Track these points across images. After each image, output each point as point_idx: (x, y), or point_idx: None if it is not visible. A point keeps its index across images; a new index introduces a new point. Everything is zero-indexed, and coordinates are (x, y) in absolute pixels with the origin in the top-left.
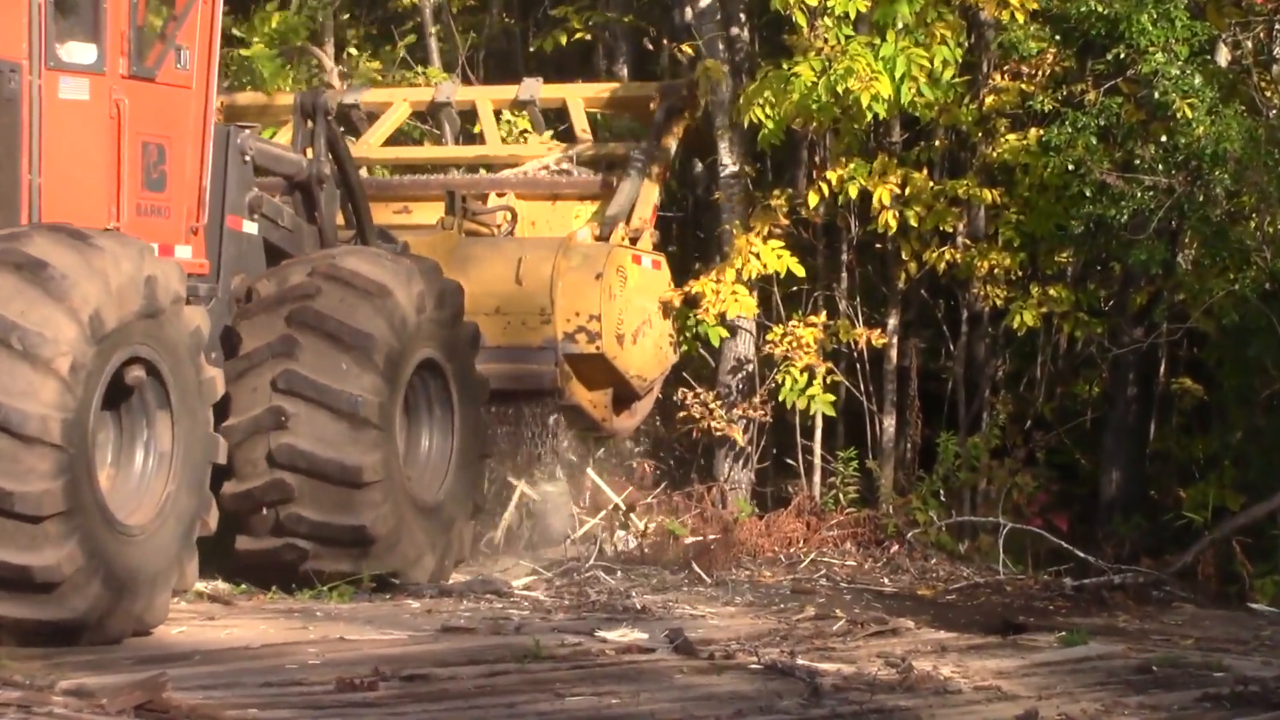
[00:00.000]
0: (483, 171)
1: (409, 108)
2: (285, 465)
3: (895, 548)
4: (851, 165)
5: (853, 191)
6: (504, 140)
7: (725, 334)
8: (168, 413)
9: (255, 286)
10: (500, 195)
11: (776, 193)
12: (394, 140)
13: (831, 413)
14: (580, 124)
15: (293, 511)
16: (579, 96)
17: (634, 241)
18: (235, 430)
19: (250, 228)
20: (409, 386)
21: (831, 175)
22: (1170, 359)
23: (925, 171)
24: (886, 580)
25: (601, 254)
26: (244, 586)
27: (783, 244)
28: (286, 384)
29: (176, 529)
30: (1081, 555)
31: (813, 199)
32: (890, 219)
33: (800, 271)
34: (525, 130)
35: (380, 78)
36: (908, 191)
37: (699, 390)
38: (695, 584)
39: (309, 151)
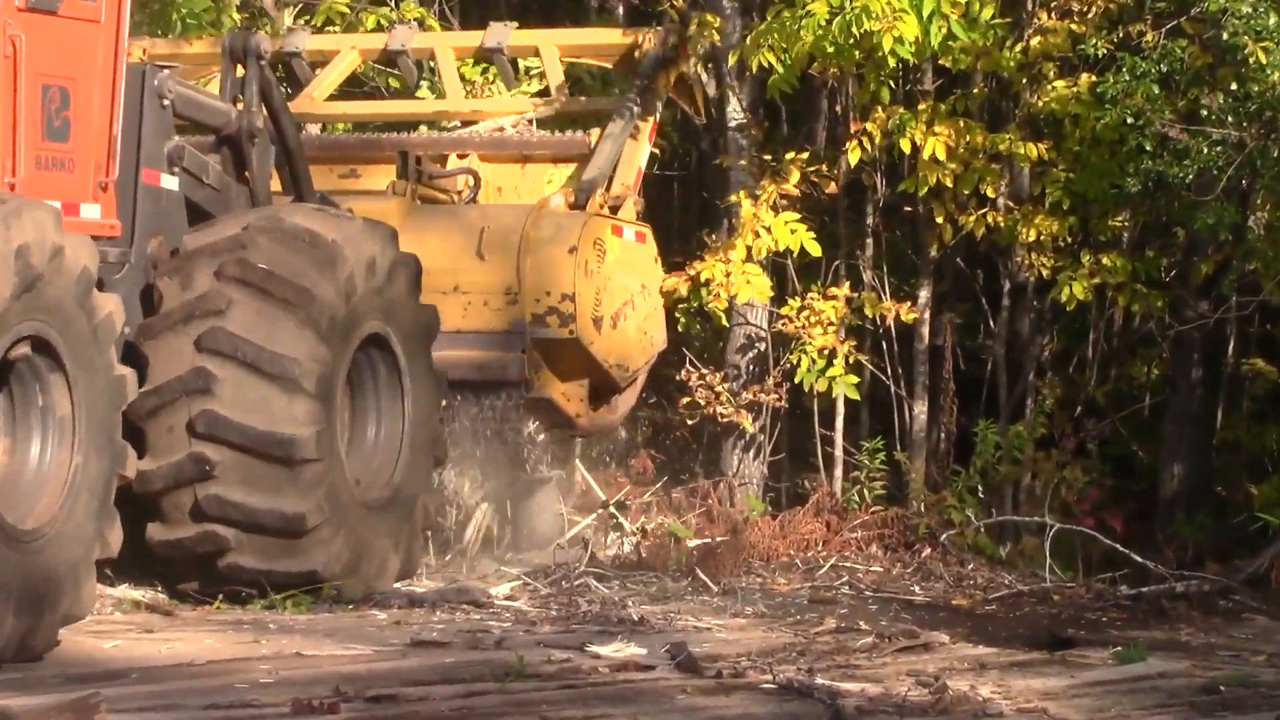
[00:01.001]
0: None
1: (358, 56)
2: (206, 436)
3: (927, 551)
4: (899, 113)
5: (905, 145)
6: (467, 94)
7: (726, 323)
8: (61, 376)
9: (184, 240)
10: (461, 157)
11: (792, 154)
12: (342, 95)
13: (855, 397)
14: (554, 75)
15: (214, 493)
16: (553, 44)
17: (615, 210)
18: (151, 396)
19: (169, 183)
20: (354, 364)
21: (873, 127)
22: (1240, 336)
23: (963, 124)
24: (917, 588)
25: (576, 224)
26: (188, 597)
27: (796, 216)
28: (212, 343)
29: (90, 503)
30: (1139, 560)
31: (853, 155)
32: (936, 177)
33: (816, 250)
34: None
35: (347, 11)
36: (934, 135)
37: (703, 371)
38: (700, 592)
39: (239, 102)
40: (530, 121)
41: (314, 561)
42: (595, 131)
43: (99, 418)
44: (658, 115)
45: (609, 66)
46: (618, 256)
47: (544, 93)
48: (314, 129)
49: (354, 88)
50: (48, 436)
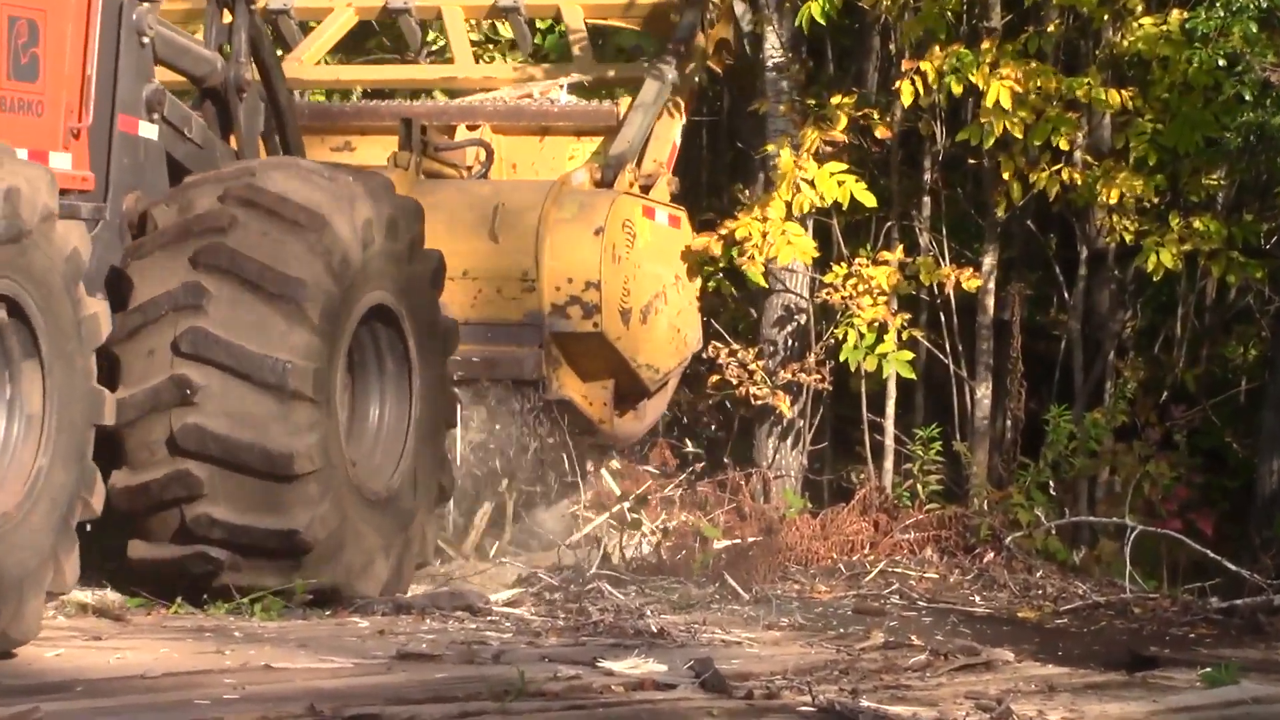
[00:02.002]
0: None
1: (354, 15)
2: (192, 452)
3: (990, 556)
4: (955, 51)
5: (956, 88)
6: (478, 59)
7: (765, 284)
8: (36, 363)
9: (152, 213)
10: (472, 128)
11: (839, 98)
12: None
13: (909, 377)
14: (578, 37)
15: (202, 512)
16: (577, 3)
17: (646, 190)
18: (127, 405)
19: (148, 132)
20: (353, 341)
21: (927, 66)
22: None
23: (1034, 66)
24: (978, 598)
25: (603, 203)
26: (140, 598)
27: (843, 167)
28: (193, 346)
29: (50, 514)
30: (1232, 568)
31: (905, 95)
32: (1003, 126)
33: (870, 200)
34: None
35: None
36: (999, 79)
37: (735, 346)
38: (728, 600)
39: (225, 53)
40: (562, 88)
41: (296, 518)
42: (625, 100)
43: (70, 424)
44: (696, 83)
45: (638, 29)
46: (649, 241)
47: (563, 58)
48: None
49: (349, 52)
50: (12, 429)
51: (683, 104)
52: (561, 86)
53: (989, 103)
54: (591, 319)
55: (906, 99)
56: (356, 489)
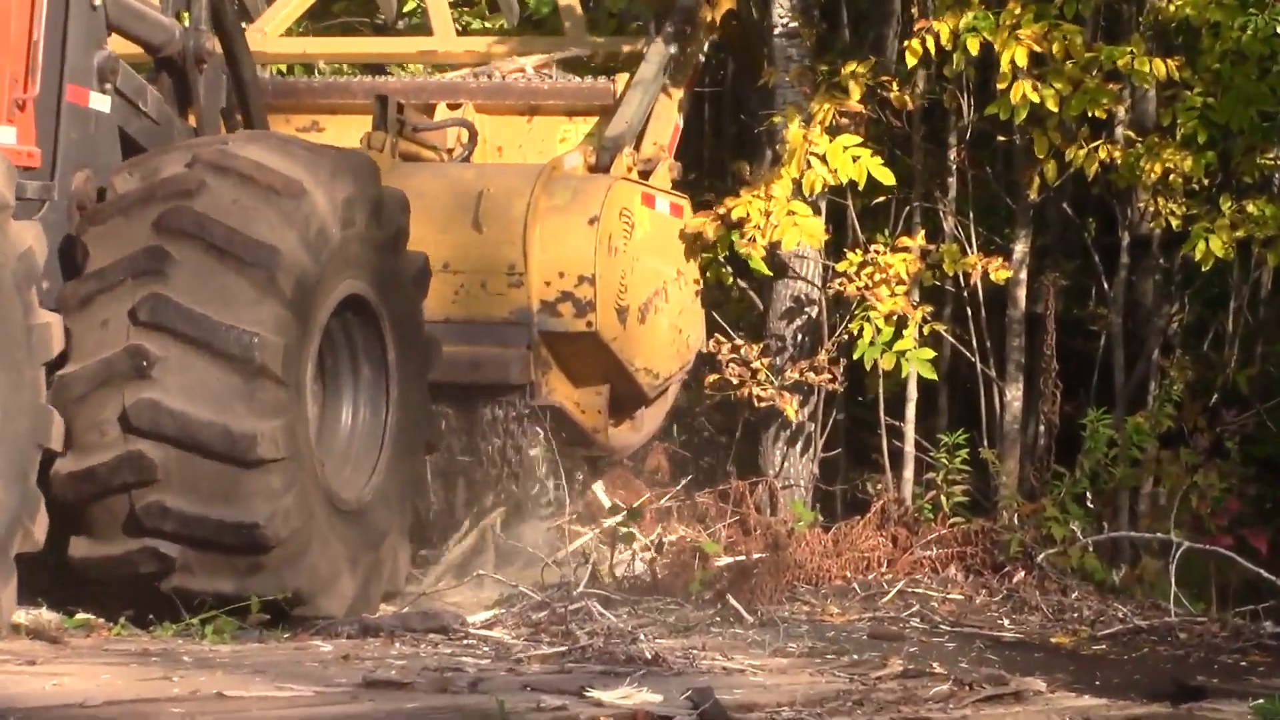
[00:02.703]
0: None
1: None
2: (145, 431)
3: (1020, 575)
4: (970, 14)
5: (973, 46)
6: (460, 31)
7: (768, 272)
8: None
9: (113, 182)
10: (453, 107)
11: (854, 65)
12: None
13: (931, 377)
14: (572, 8)
15: (154, 500)
16: None
17: (645, 176)
18: (77, 380)
19: (100, 104)
20: (326, 333)
21: (941, 27)
22: None
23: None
24: (1007, 621)
25: (598, 190)
26: (79, 618)
27: (858, 140)
28: (152, 314)
29: None
30: None
31: (911, 56)
32: (1024, 92)
33: (888, 178)
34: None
35: None
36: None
37: (738, 341)
38: (731, 623)
39: (184, 20)
40: (553, 65)
41: (256, 510)
42: (622, 78)
43: (13, 441)
44: (701, 59)
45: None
46: (649, 232)
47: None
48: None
49: (318, 21)
50: None
51: (686, 81)
52: (552, 64)
53: (1004, 65)
54: (584, 317)
55: (911, 60)
56: (325, 491)
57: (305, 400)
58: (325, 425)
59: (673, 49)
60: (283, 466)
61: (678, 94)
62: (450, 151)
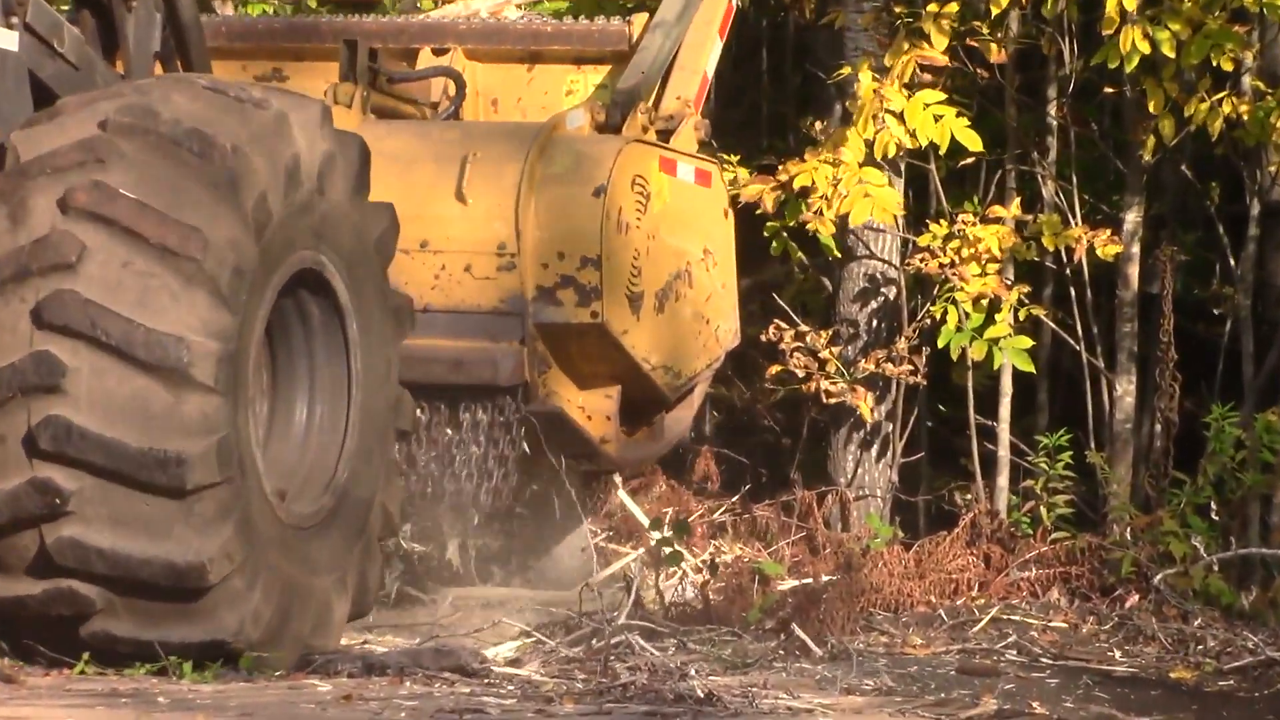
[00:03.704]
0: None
1: None
2: (54, 455)
3: (1134, 599)
4: None
5: None
6: None
7: (837, 253)
8: None
9: (13, 142)
10: (439, 53)
11: (935, 7)
12: None
13: (1029, 369)
14: None
15: (67, 535)
16: None
17: (665, 137)
18: None
19: (6, 40)
20: (274, 317)
21: None
22: None
23: None
24: (1118, 653)
25: (607, 154)
26: (40, 656)
27: (942, 97)
28: (59, 315)
29: None
30: None
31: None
32: (1135, 37)
33: (975, 143)
34: None
35: None
36: None
37: (803, 328)
38: (796, 656)
39: None
40: (520, 7)
41: (221, 627)
42: (639, 19)
43: None
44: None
45: None
46: (669, 204)
47: None
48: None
49: None
50: None
51: (716, 23)
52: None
53: (1111, 4)
54: (589, 306)
55: (995, 6)
56: (292, 532)
57: (246, 407)
58: (275, 425)
59: None
60: (219, 491)
61: (707, 39)
62: (434, 106)
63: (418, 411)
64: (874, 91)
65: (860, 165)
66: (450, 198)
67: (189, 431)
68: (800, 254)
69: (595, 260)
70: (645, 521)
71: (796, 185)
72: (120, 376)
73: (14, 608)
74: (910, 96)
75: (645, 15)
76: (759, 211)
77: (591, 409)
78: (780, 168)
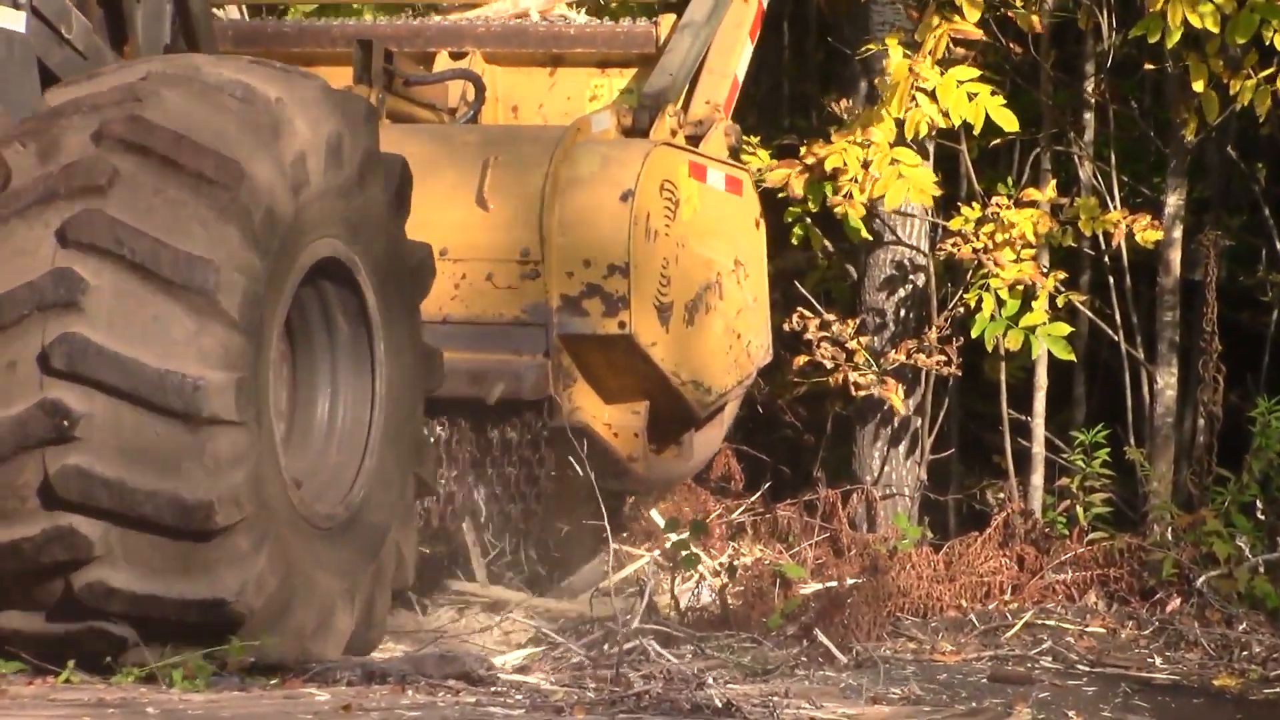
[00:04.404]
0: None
1: None
2: (75, 504)
3: (1176, 603)
4: None
5: None
6: None
7: (866, 235)
8: None
9: (3, 154)
10: (457, 56)
11: None
12: None
13: (1068, 357)
14: None
15: (96, 579)
16: None
17: (695, 142)
18: None
19: (13, 21)
20: (293, 308)
21: None
22: None
23: None
24: (1159, 660)
25: (634, 158)
26: (19, 662)
27: (976, 74)
28: (68, 361)
29: None
30: None
31: None
32: (1182, 13)
33: (1011, 122)
34: None
35: None
36: None
37: (828, 317)
38: (820, 664)
39: None
40: (572, 5)
41: (223, 585)
42: (665, 20)
43: None
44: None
45: None
46: (698, 211)
47: None
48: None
49: None
50: None
51: (747, 25)
52: (572, 5)
53: None
54: (617, 317)
55: None
56: (304, 522)
57: (270, 429)
58: (296, 427)
59: None
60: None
61: (737, 41)
62: (452, 111)
63: (438, 429)
64: (908, 68)
65: (892, 146)
66: (471, 203)
67: (209, 361)
68: (824, 239)
69: (623, 268)
70: (661, 522)
71: (828, 168)
72: (144, 297)
73: (44, 643)
74: (943, 73)
75: (672, 17)
76: (781, 195)
77: (619, 426)
78: (805, 149)
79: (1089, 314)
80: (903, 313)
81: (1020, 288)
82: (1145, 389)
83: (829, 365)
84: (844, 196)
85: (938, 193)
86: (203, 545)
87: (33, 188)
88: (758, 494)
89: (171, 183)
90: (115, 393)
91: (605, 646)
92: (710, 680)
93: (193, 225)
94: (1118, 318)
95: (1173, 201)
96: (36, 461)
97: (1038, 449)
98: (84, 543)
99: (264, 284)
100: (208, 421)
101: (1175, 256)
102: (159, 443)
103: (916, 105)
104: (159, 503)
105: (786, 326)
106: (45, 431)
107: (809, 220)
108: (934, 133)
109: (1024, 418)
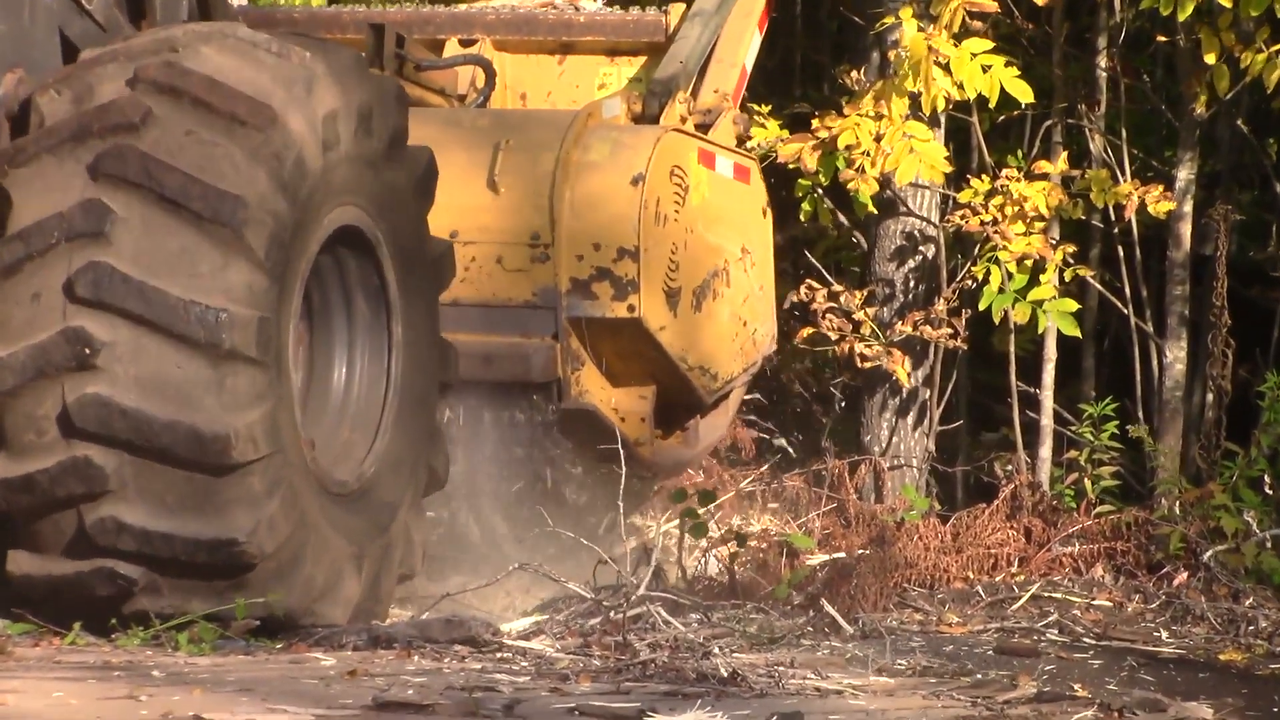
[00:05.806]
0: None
1: None
2: (92, 434)
3: (1182, 576)
4: None
5: None
6: None
7: (874, 210)
8: None
9: (38, 102)
10: (467, 43)
11: None
12: None
13: (1074, 333)
14: None
15: (108, 514)
16: None
17: (704, 130)
18: (4, 368)
19: None
20: (312, 275)
21: None
22: None
23: None
24: (1165, 634)
25: (644, 143)
26: (26, 623)
27: (989, 45)
28: (93, 289)
29: None
30: None
31: None
32: None
33: (1026, 94)
34: None
35: None
36: None
37: (837, 288)
38: (826, 634)
39: None
40: None
41: (235, 524)
42: (676, 9)
43: None
44: None
45: None
46: (707, 198)
47: None
48: None
49: None
50: None
51: (756, 13)
52: None
53: None
54: (626, 300)
55: None
56: (317, 480)
57: (288, 377)
58: (314, 391)
59: None
60: (264, 465)
61: (746, 30)
62: (463, 98)
63: (447, 411)
64: (925, 41)
65: (904, 120)
66: (482, 186)
67: (233, 296)
68: (833, 211)
69: (633, 252)
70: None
71: (841, 143)
72: (171, 230)
73: (52, 585)
74: (958, 45)
75: (681, 6)
76: (792, 166)
77: (625, 409)
78: (817, 122)
79: (1099, 287)
80: (912, 284)
81: (1029, 261)
82: (1154, 363)
83: (834, 337)
84: (856, 171)
85: (949, 169)
86: (217, 482)
87: (66, 125)
88: (766, 465)
89: (204, 124)
90: (138, 321)
91: (612, 614)
92: (716, 649)
93: (224, 165)
94: (1127, 291)
95: (1183, 175)
96: (56, 391)
97: (1046, 421)
98: (99, 474)
99: (290, 231)
100: (228, 355)
101: (1185, 230)
102: (179, 374)
103: (931, 82)
104: (176, 434)
105: (794, 297)
106: (66, 359)
107: (819, 193)
108: (950, 106)
109: (1032, 390)
